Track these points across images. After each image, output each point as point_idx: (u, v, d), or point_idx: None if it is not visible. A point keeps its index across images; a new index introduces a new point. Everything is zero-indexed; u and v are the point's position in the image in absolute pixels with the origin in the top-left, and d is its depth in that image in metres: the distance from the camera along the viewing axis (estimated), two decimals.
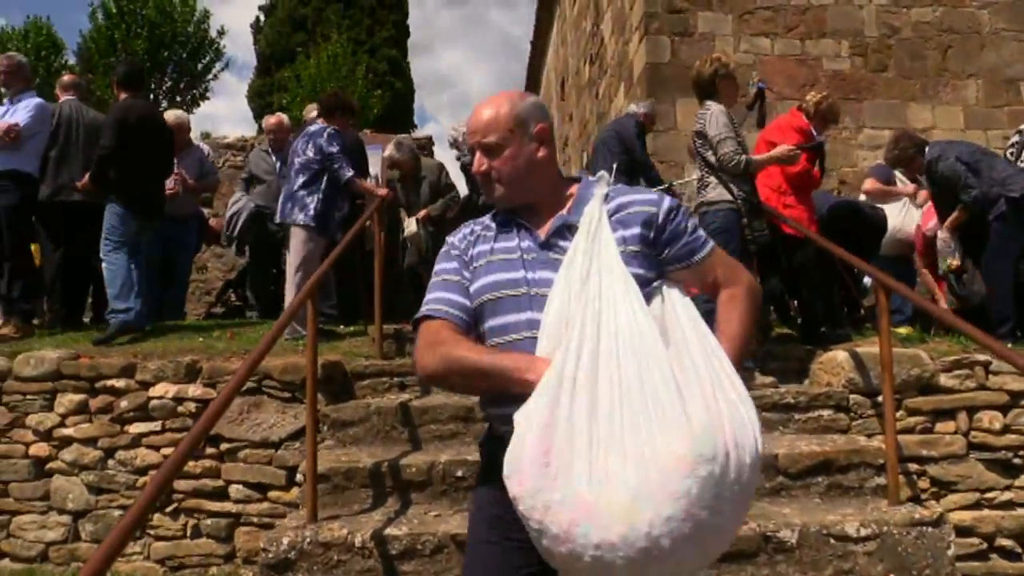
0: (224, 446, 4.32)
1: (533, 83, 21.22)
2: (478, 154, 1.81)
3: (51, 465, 4.51)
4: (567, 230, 1.75)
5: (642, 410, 1.49)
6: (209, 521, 4.32)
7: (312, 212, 5.46)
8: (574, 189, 1.85)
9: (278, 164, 6.99)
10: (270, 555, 3.29)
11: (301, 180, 5.53)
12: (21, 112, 5.65)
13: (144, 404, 4.45)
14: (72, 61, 24.05)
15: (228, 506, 4.32)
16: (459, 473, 3.65)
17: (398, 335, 5.43)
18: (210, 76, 25.70)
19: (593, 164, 6.11)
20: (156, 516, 4.33)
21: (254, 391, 4.37)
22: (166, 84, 24.71)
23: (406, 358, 5.00)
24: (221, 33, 25.27)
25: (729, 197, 4.59)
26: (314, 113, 6.53)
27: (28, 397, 4.57)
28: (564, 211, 1.79)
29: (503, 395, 1.65)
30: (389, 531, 3.32)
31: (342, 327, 5.90)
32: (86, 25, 24.14)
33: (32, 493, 4.50)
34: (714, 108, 4.65)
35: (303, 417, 4.09)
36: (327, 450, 3.99)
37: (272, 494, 4.27)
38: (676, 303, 1.72)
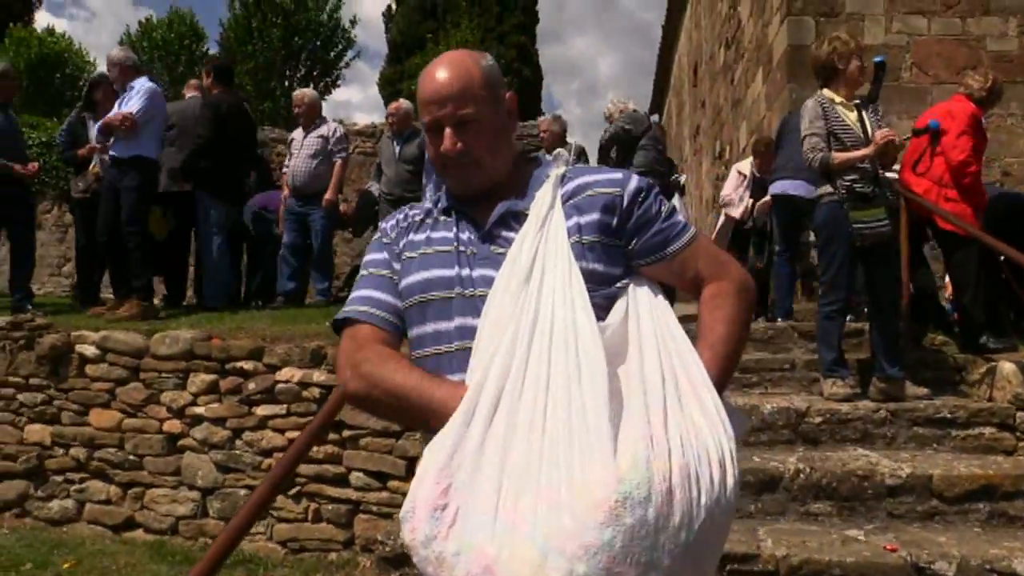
0: (346, 432, 4.33)
1: (664, 69, 20.70)
2: (448, 133, 1.43)
3: (183, 442, 4.66)
4: (512, 218, 1.44)
5: (565, 437, 1.19)
6: (330, 507, 4.36)
7: None
8: (531, 171, 1.55)
9: (398, 149, 6.98)
10: (387, 548, 3.24)
11: None
12: (134, 99, 5.73)
13: (271, 387, 4.53)
14: (213, 50, 25.31)
15: (349, 493, 4.34)
16: None
17: None
18: (342, 64, 26.53)
19: (778, 153, 5.81)
20: (279, 499, 4.40)
21: None
22: (300, 72, 25.62)
23: None
24: (353, 22, 26.13)
25: (830, 189, 4.22)
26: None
27: (163, 375, 4.73)
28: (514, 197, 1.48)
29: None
30: None
31: None
32: (226, 15, 25.38)
33: (164, 468, 4.67)
34: (807, 103, 4.37)
35: None
36: None
37: (392, 484, 4.26)
38: (642, 305, 1.41)
